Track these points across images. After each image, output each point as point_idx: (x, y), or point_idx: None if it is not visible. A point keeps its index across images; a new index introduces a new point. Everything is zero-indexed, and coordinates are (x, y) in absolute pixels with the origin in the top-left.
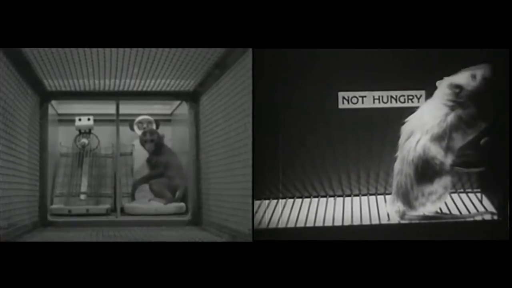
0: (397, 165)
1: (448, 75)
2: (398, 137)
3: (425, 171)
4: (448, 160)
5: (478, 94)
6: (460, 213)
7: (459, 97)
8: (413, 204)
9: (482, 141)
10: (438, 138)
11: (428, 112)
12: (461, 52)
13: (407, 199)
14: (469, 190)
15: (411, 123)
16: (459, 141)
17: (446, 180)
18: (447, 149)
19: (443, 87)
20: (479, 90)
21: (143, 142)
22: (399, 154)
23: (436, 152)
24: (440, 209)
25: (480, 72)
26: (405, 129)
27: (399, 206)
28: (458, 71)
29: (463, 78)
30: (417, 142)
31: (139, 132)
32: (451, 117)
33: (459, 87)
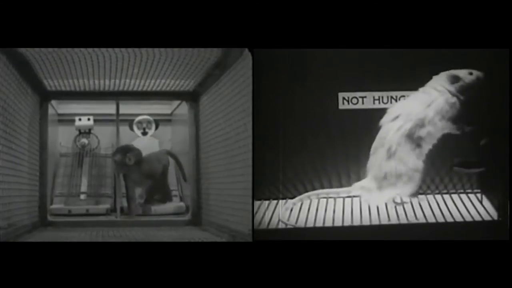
0: (374, 144)
1: None
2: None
3: (396, 153)
4: (424, 149)
5: (469, 89)
6: (460, 213)
7: (452, 86)
8: (382, 184)
9: (482, 142)
10: (419, 125)
11: (417, 99)
12: (461, 52)
13: (376, 177)
14: (469, 190)
15: (399, 107)
16: (439, 129)
17: (417, 163)
18: (422, 139)
19: (441, 77)
20: (472, 85)
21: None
22: (379, 133)
23: (410, 140)
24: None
25: (478, 72)
26: (391, 111)
27: (371, 185)
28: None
29: (461, 72)
30: (398, 128)
31: (138, 132)
32: (438, 102)
33: (457, 77)
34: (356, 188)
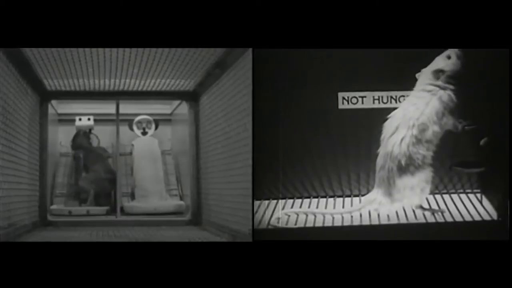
0: (379, 161)
1: None
2: (380, 133)
3: (408, 166)
4: (430, 153)
5: (455, 74)
6: (460, 213)
7: (440, 80)
8: (394, 197)
9: (482, 141)
10: (423, 130)
11: (412, 105)
12: (461, 52)
13: (388, 192)
14: (469, 190)
15: (396, 118)
16: (442, 126)
17: (427, 174)
18: (430, 141)
19: (425, 75)
20: (455, 70)
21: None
22: (382, 149)
23: (419, 147)
24: (428, 202)
25: (452, 52)
26: (389, 125)
27: (380, 199)
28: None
29: (440, 62)
30: (402, 139)
31: (138, 132)
32: (433, 102)
33: (441, 71)
34: (366, 203)
